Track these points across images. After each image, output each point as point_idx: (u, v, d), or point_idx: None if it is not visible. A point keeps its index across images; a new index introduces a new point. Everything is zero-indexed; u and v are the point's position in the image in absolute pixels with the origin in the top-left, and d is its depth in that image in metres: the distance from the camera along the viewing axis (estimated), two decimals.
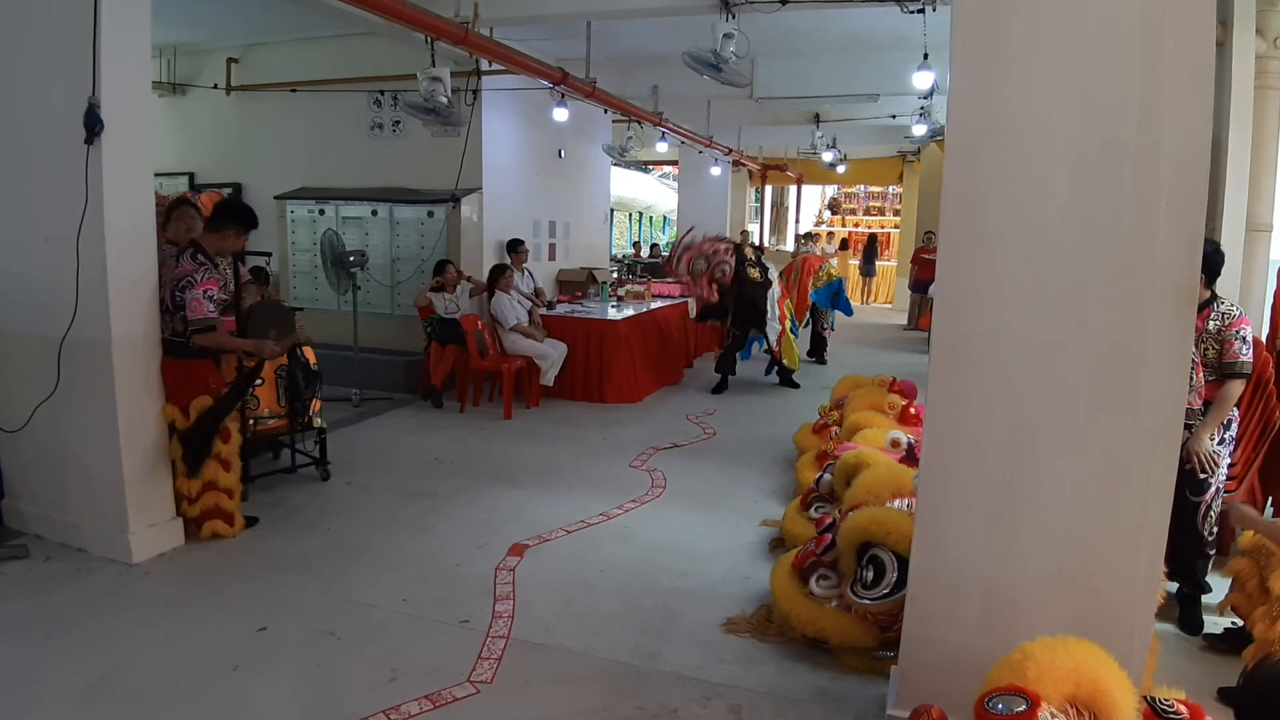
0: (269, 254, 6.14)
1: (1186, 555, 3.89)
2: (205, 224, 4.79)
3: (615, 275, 13.19)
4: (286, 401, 5.54)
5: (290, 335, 5.12)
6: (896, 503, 3.90)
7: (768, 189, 24.79)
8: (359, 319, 8.28)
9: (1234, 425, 3.99)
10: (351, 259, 7.87)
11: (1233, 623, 3.68)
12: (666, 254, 9.16)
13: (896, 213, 23.92)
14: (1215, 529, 4.00)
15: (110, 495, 4.36)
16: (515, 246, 9.20)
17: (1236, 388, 3.83)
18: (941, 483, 2.83)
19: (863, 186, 26.11)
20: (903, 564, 3.45)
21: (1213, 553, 4.04)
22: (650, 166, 24.77)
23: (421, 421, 7.69)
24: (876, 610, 3.48)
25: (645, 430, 7.53)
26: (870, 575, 3.55)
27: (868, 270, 20.81)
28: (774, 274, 9.40)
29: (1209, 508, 3.92)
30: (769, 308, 9.11)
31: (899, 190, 21.83)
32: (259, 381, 5.33)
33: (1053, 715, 2.14)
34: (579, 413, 8.16)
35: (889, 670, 3.22)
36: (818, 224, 26.65)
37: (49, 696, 3.18)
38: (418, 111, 7.31)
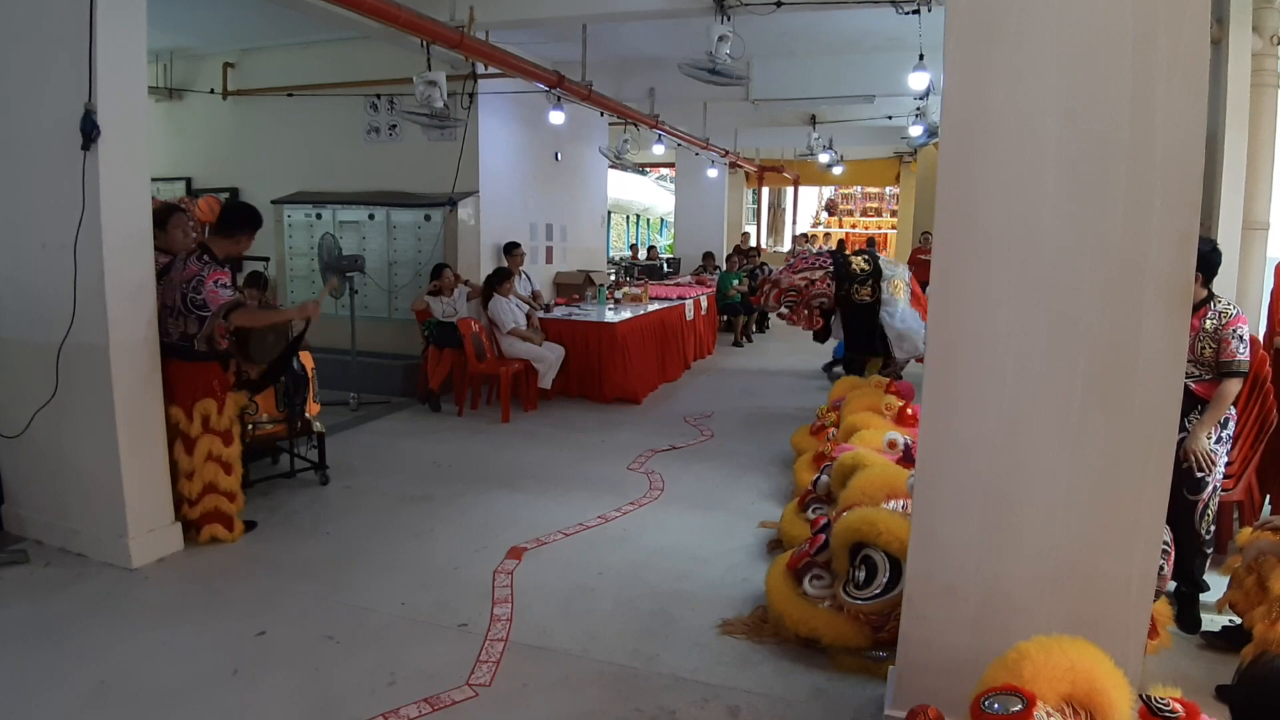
0: (266, 258, 6.16)
1: (1184, 554, 3.90)
2: (216, 228, 4.78)
3: (613, 278, 13.19)
4: (285, 406, 5.54)
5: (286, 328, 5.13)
6: (891, 504, 3.90)
7: (764, 190, 24.81)
8: (356, 323, 8.28)
9: (1231, 424, 4.00)
10: (344, 263, 7.87)
11: (1230, 620, 3.68)
12: (758, 282, 8.10)
13: (893, 213, 23.97)
14: (1213, 527, 4.01)
15: (109, 500, 4.37)
16: (511, 249, 9.21)
17: (1233, 386, 3.83)
18: (937, 483, 2.83)
19: (859, 188, 26.16)
20: (894, 564, 3.46)
21: (1210, 551, 4.05)
22: (647, 169, 24.80)
23: (419, 425, 7.69)
24: (868, 610, 3.49)
25: (643, 432, 7.54)
26: (862, 575, 3.56)
27: None
28: (891, 285, 7.70)
29: (1206, 506, 3.93)
30: (893, 324, 7.61)
31: (896, 191, 21.85)
32: None
33: (1049, 715, 2.15)
34: (577, 415, 8.16)
35: (886, 671, 3.22)
36: (815, 225, 26.68)
37: (49, 702, 3.19)
38: (419, 117, 7.31)
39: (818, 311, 7.84)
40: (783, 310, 7.93)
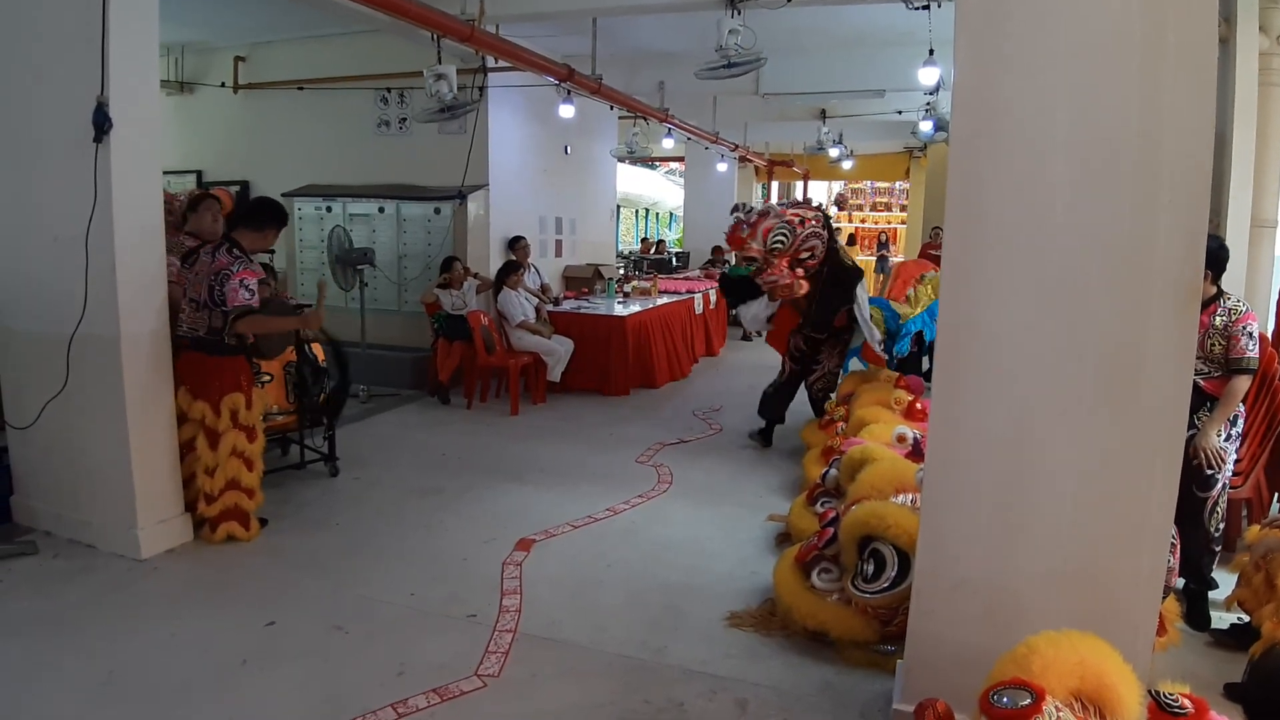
0: (273, 250, 6.17)
1: (1193, 551, 3.90)
2: (244, 222, 4.77)
3: (622, 272, 13.18)
4: (295, 398, 5.56)
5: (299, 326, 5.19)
6: (900, 498, 3.90)
7: (774, 185, 24.72)
8: (366, 316, 8.30)
9: (1240, 421, 3.99)
10: (354, 256, 7.89)
11: (1239, 618, 3.68)
12: (732, 224, 6.40)
13: (903, 208, 23.88)
14: (1222, 525, 4.00)
15: (119, 491, 4.39)
16: (515, 242, 9.23)
17: (1243, 383, 3.83)
18: (946, 479, 2.83)
19: (869, 182, 26.06)
20: (902, 558, 3.47)
21: (1219, 549, 4.04)
22: (656, 163, 24.74)
23: (429, 418, 7.72)
24: (877, 604, 3.50)
25: (651, 426, 7.55)
26: (871, 569, 3.56)
27: (881, 266, 20.82)
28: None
29: (1216, 504, 3.92)
30: (863, 305, 6.57)
31: (906, 186, 21.78)
32: (267, 377, 5.34)
33: (1058, 709, 2.14)
34: (585, 409, 8.18)
35: (894, 665, 3.23)
36: None
37: (59, 693, 3.21)
38: (433, 114, 7.27)
39: (801, 270, 6.23)
40: (762, 249, 6.13)
